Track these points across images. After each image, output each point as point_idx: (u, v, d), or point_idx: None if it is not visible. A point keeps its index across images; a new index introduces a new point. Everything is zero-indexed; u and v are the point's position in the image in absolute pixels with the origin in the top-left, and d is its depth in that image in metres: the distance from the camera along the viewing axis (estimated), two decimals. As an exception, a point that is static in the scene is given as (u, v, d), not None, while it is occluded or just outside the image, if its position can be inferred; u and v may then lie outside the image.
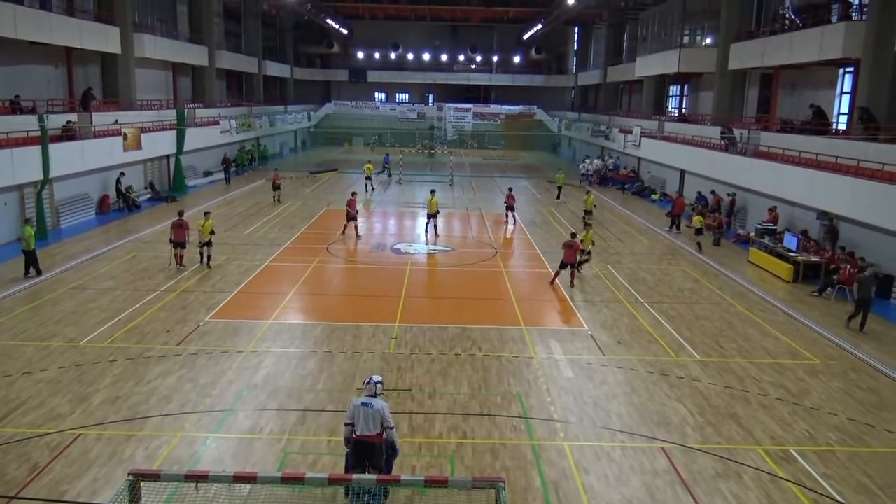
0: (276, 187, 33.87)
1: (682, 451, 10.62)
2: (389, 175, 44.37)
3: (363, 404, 8.57)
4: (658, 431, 11.22)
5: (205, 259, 20.60)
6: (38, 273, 19.15)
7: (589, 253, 21.16)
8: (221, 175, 40.54)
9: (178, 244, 20.34)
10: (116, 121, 30.21)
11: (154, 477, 6.83)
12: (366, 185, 38.16)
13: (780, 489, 9.64)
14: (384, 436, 8.60)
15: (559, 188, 37.60)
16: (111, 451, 10.13)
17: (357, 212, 26.25)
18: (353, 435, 8.56)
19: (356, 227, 25.95)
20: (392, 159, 45.82)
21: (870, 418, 11.98)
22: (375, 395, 8.70)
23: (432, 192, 26.66)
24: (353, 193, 27.09)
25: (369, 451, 8.55)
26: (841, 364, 14.49)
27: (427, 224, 26.23)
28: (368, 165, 39.09)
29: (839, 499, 9.44)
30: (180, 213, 21.18)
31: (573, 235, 20.44)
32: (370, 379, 8.85)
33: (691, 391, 12.88)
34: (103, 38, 31.28)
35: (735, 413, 11.99)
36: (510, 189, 30.43)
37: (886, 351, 15.28)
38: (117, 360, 13.53)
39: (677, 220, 28.63)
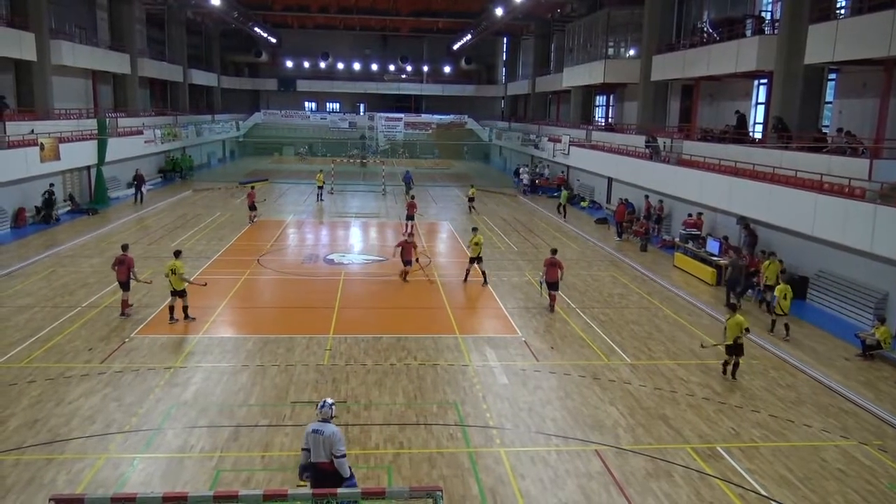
0: (252, 207, 30.53)
1: (616, 452, 10.85)
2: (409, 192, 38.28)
3: (314, 431, 8.16)
4: (591, 434, 11.43)
5: (181, 314, 16.57)
6: None
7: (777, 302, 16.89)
8: (149, 185, 39.27)
9: (122, 285, 17.02)
10: (32, 131, 28.96)
11: (77, 502, 6.53)
12: (318, 195, 38.07)
13: (709, 486, 9.96)
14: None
15: (562, 206, 34.60)
16: (30, 476, 9.65)
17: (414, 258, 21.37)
18: (309, 461, 8.22)
19: (418, 266, 21.63)
20: (333, 169, 45.20)
21: (790, 414, 12.52)
22: (328, 419, 8.24)
23: (474, 230, 22.22)
24: (411, 235, 21.90)
25: (323, 478, 8.09)
26: (762, 363, 15.10)
27: (468, 269, 21.48)
28: (320, 175, 38.86)
29: (763, 492, 9.82)
30: (124, 248, 17.54)
31: (554, 252, 18.76)
32: (323, 402, 8.36)
33: (623, 394, 13.18)
34: (17, 45, 29.92)
35: (664, 414, 12.33)
36: (412, 197, 31.14)
37: (804, 350, 16.01)
38: (36, 381, 12.91)
39: (620, 226, 29.47)
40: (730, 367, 14.17)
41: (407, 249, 21.01)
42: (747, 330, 14.01)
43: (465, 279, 21.26)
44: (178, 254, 17.01)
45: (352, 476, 8.38)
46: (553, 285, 18.32)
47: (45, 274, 20.79)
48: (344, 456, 8.19)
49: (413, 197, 30.61)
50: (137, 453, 10.40)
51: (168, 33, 55.83)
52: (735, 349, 13.98)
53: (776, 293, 16.92)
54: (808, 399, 13.26)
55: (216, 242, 26.04)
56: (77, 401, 12.12)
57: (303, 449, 8.36)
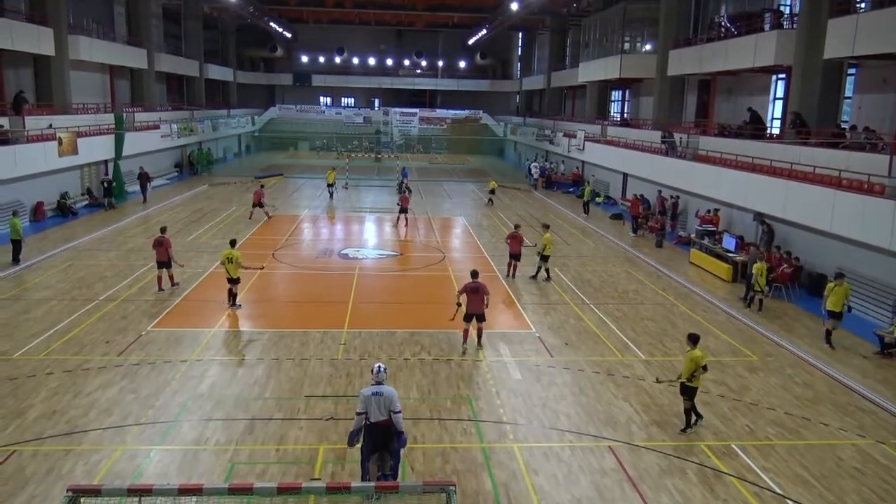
0: (257, 205, 29.80)
1: (629, 449, 10.82)
2: (407, 191, 34.84)
3: (374, 394, 8.85)
4: (605, 431, 11.40)
5: (232, 298, 17.46)
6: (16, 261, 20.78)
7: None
8: (165, 179, 39.51)
9: (161, 264, 18.40)
10: (51, 125, 29.22)
11: (94, 492, 6.60)
12: (330, 192, 37.31)
13: (723, 483, 9.91)
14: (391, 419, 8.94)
15: (587, 203, 34.70)
16: (48, 466, 9.77)
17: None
18: (367, 422, 8.86)
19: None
20: (350, 165, 45.23)
21: (806, 412, 12.42)
22: (382, 382, 8.98)
23: (546, 227, 22.13)
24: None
25: (385, 434, 8.91)
26: (778, 360, 14.99)
27: (539, 269, 21.26)
28: (331, 172, 38.00)
29: (778, 491, 9.75)
30: (162, 230, 18.91)
31: (517, 227, 21.65)
32: (378, 367, 9.09)
33: (637, 390, 13.14)
34: (36, 40, 30.18)
35: (679, 411, 12.24)
36: (405, 191, 32.00)
37: (821, 347, 15.87)
38: (54, 373, 13.06)
39: (635, 221, 29.32)
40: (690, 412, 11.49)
41: (480, 293, 14.75)
42: (705, 368, 11.18)
43: (538, 276, 21.21)
44: (233, 243, 17.83)
45: (403, 435, 9.10)
46: (515, 256, 20.80)
47: (63, 267, 21.01)
48: (400, 412, 8.95)
49: (406, 191, 30.96)
50: (154, 445, 10.50)
51: (184, 28, 56.08)
52: (686, 391, 11.25)
53: (754, 271, 18.14)
54: (824, 397, 13.15)
55: (232, 237, 26.05)
56: (94, 393, 12.25)
57: (357, 413, 8.89)
